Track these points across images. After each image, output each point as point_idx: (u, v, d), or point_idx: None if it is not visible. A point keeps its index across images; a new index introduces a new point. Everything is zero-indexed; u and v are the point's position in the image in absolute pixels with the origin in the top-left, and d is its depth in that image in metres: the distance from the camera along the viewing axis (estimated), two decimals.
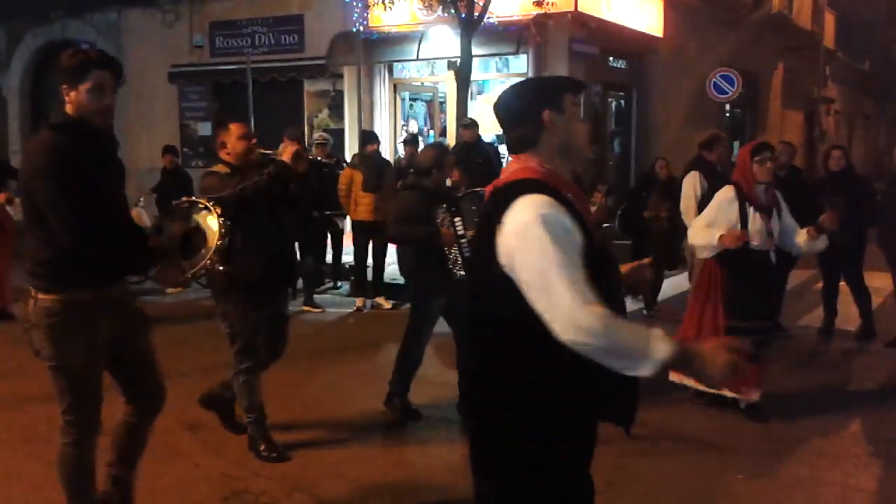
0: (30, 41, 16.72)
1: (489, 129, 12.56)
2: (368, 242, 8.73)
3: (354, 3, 12.45)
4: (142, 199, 10.23)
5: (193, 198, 3.81)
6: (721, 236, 4.96)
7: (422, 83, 14.41)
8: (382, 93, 13.69)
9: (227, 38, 14.55)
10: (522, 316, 2.07)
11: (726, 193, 5.11)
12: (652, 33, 14.11)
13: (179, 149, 12.88)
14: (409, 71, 13.97)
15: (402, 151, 11.32)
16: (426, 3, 11.44)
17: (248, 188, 4.19)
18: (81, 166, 3.08)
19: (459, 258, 4.96)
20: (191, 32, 14.79)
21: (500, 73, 13.55)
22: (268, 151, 4.77)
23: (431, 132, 14.47)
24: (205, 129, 15.10)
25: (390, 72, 13.73)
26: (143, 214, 9.77)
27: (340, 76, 13.62)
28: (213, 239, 3.47)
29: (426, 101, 14.79)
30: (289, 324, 4.82)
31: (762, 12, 17.27)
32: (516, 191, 2.14)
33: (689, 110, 14.68)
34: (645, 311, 8.17)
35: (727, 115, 16.01)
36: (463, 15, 10.38)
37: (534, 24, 11.80)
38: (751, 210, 5.01)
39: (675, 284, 8.82)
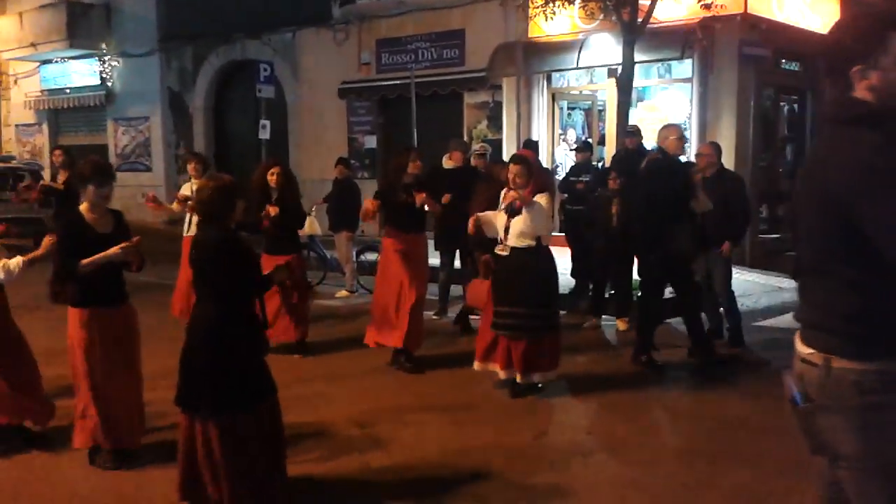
0: (213, 61, 18.08)
1: (651, 137, 12.32)
2: None
3: (515, 15, 12.58)
4: (314, 208, 10.75)
5: None
6: None
7: (580, 91, 14.34)
8: (540, 102, 13.74)
9: (392, 54, 15.11)
10: None
11: None
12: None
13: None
14: (567, 80, 13.95)
15: (572, 158, 11.34)
16: (587, 11, 11.39)
17: None
18: None
19: None
20: (359, 50, 15.49)
21: (661, 80, 13.27)
22: None
23: (589, 140, 14.37)
24: (370, 142, 15.76)
25: (549, 81, 13.75)
26: (315, 223, 10.30)
27: (499, 87, 13.79)
28: None
29: (584, 110, 14.69)
30: None
31: None
32: None
33: None
34: None
35: None
36: (626, 21, 10.24)
37: (700, 28, 11.46)
38: None
39: None
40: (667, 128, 6.87)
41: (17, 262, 4.65)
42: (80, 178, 4.65)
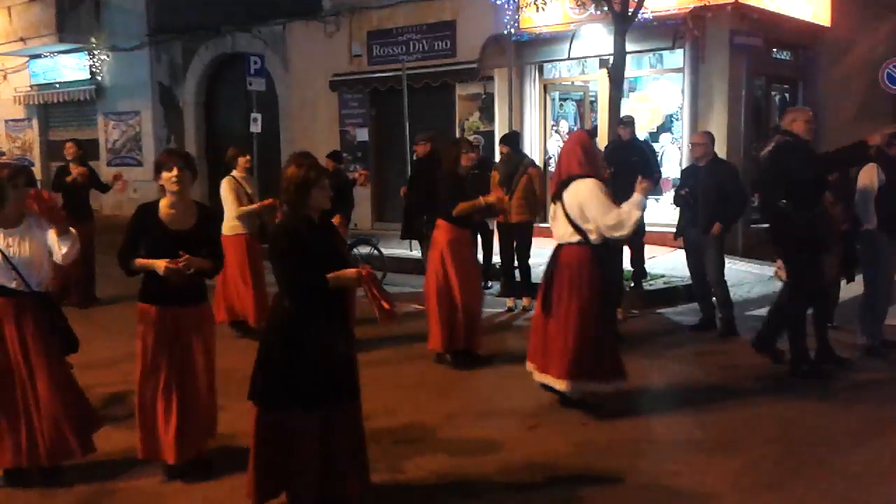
0: (203, 54, 17.97)
1: (643, 128, 12.32)
2: (511, 243, 8.85)
3: (506, 6, 12.54)
4: None
5: None
6: None
7: (572, 82, 14.31)
8: (532, 94, 13.71)
9: (383, 46, 15.05)
10: None
11: None
12: (819, 23, 13.34)
13: None
14: (559, 71, 13.92)
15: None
16: (579, 2, 11.36)
17: None
18: None
19: None
20: (350, 42, 15.42)
21: (653, 70, 13.26)
22: None
23: None
24: (362, 134, 15.71)
25: (541, 72, 13.73)
26: None
27: (491, 79, 13.76)
28: None
29: (576, 101, 14.67)
30: None
31: None
32: None
33: (861, 103, 13.74)
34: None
35: None
36: (617, 11, 10.20)
37: (691, 18, 11.45)
38: None
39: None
40: (795, 110, 6.39)
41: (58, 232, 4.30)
42: (158, 169, 4.34)
